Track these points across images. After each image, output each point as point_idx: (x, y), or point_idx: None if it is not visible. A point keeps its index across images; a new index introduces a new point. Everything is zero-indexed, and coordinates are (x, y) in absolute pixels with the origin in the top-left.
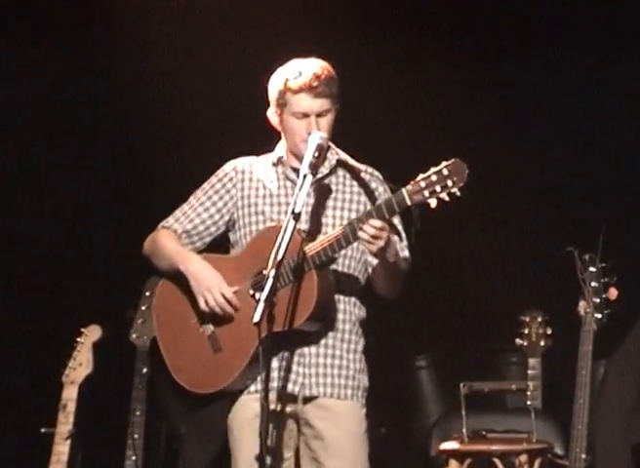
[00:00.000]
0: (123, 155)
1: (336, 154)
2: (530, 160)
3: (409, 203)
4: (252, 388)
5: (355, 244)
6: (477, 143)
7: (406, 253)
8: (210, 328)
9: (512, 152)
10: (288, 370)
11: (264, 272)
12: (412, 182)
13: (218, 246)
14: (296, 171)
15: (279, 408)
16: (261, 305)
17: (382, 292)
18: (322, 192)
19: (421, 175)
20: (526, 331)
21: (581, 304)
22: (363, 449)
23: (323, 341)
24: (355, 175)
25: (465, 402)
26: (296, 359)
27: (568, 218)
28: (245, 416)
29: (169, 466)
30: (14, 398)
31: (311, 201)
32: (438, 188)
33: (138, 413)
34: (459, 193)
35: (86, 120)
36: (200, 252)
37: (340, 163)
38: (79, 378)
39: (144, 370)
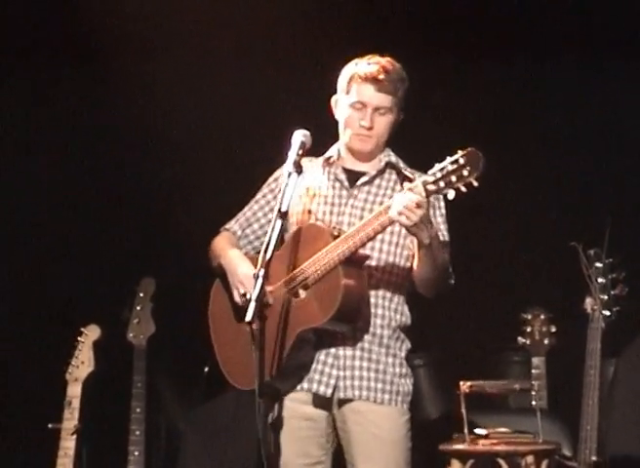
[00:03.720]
0: (122, 157)
1: (387, 156)
2: (531, 152)
3: (424, 194)
4: (298, 387)
5: (399, 250)
6: (479, 136)
7: (445, 236)
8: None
9: (513, 145)
10: (321, 372)
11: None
12: (428, 172)
13: None
14: (346, 171)
15: (313, 409)
16: (252, 305)
17: (422, 286)
18: (367, 195)
19: (437, 165)
20: (528, 330)
21: (588, 301)
22: (398, 456)
23: (359, 344)
24: (405, 180)
25: (466, 401)
26: (330, 361)
27: (572, 212)
28: (281, 416)
29: (170, 462)
30: (23, 396)
31: (357, 203)
32: (454, 178)
33: (138, 410)
34: (476, 183)
35: (83, 128)
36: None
37: (390, 165)
38: (82, 376)
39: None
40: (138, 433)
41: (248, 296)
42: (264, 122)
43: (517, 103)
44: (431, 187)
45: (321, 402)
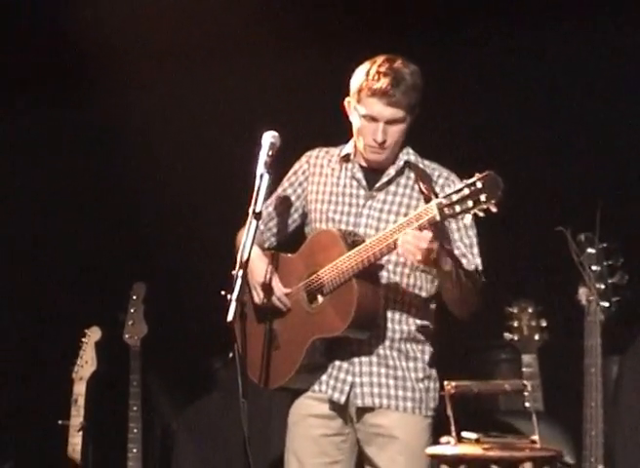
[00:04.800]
0: (120, 162)
1: (406, 155)
2: (515, 132)
3: (438, 218)
4: (316, 387)
5: None
6: (464, 122)
7: (473, 264)
8: (270, 324)
9: (499, 129)
10: (336, 377)
11: (315, 275)
12: (443, 195)
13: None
14: (363, 169)
15: (330, 411)
16: (233, 305)
17: (451, 308)
18: (387, 196)
19: (454, 187)
20: (516, 325)
21: (582, 291)
22: (418, 461)
23: (376, 350)
24: (425, 178)
25: (452, 403)
26: (345, 366)
27: (558, 194)
28: (299, 413)
29: (164, 460)
30: (35, 394)
31: (376, 204)
32: (470, 203)
33: (135, 409)
34: (494, 209)
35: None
36: (275, 248)
37: (409, 165)
38: (86, 375)
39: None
40: (135, 431)
41: (228, 297)
42: (259, 126)
43: (506, 88)
44: (447, 211)
45: (336, 407)
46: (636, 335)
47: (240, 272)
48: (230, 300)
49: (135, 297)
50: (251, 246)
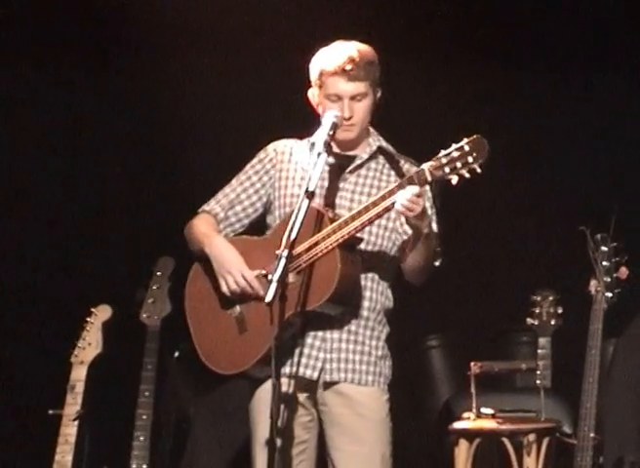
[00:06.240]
0: (137, 138)
1: (377, 141)
2: (542, 138)
3: (429, 179)
4: (282, 371)
5: (387, 234)
6: (489, 121)
7: (434, 226)
8: (237, 309)
9: (524, 130)
10: (308, 355)
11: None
12: (433, 158)
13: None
14: (334, 154)
15: (298, 392)
16: (274, 285)
17: (412, 274)
18: (358, 178)
19: (443, 151)
20: (537, 311)
21: (592, 283)
22: (382, 435)
23: (346, 327)
24: (395, 164)
25: (475, 381)
26: (317, 344)
27: (580, 197)
28: (266, 397)
29: (177, 447)
30: (22, 379)
31: (348, 186)
32: (459, 164)
33: (146, 394)
34: (479, 170)
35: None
36: (240, 233)
37: (381, 150)
38: (88, 358)
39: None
40: (145, 417)
41: (269, 277)
42: (283, 107)
43: (523, 89)
44: (437, 172)
45: (306, 385)
46: (630, 321)
47: (285, 252)
48: (270, 281)
49: (159, 273)
50: (300, 225)
